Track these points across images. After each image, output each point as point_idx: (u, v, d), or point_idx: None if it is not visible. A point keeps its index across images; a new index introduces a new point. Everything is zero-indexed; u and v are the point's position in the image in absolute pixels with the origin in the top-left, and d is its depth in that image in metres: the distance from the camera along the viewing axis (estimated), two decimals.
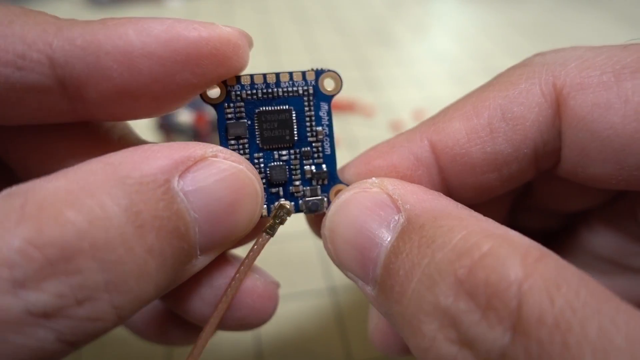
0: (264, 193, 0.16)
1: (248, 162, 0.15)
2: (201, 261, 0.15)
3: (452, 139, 0.17)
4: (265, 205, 0.17)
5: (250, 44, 0.16)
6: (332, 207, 0.16)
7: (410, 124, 0.46)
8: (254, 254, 0.16)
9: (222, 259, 0.17)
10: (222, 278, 0.17)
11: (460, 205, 0.15)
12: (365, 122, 0.46)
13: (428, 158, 0.17)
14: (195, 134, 0.40)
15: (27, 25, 0.14)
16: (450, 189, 0.18)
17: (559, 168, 0.17)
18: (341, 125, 0.46)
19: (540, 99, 0.16)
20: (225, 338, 0.28)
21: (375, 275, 0.14)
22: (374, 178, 0.16)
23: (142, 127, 0.44)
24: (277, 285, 0.18)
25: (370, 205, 0.15)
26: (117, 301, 0.12)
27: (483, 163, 0.16)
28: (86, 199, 0.11)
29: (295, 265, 0.32)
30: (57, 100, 0.14)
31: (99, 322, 0.12)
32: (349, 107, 0.48)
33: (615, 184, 0.15)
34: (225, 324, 0.17)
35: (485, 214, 0.20)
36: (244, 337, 0.28)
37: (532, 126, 0.16)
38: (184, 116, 0.39)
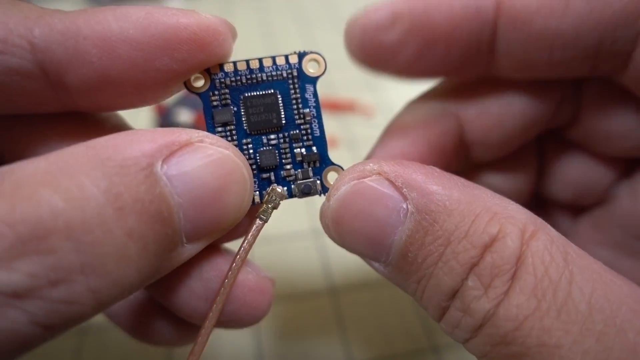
0: (253, 180, 0.16)
1: (235, 148, 0.15)
2: (188, 250, 0.14)
3: (524, 2, 0.17)
4: (257, 192, 0.17)
5: (233, 34, 0.16)
6: (334, 199, 0.15)
7: None
8: (248, 241, 0.16)
9: (212, 250, 0.17)
10: (213, 270, 0.17)
11: (460, 181, 0.15)
12: (365, 122, 0.46)
13: (489, 11, 0.17)
14: None
15: (10, 12, 0.14)
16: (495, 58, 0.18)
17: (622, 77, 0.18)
18: (341, 126, 0.46)
19: None
20: (225, 339, 0.28)
21: (389, 259, 0.15)
22: (371, 164, 0.15)
23: (143, 128, 0.45)
24: (271, 281, 0.18)
25: (375, 196, 0.15)
26: (94, 284, 0.12)
27: (541, 37, 0.17)
28: (64, 180, 0.11)
29: (295, 265, 0.32)
30: (39, 86, 0.15)
31: (75, 305, 0.11)
32: (349, 107, 0.47)
33: None
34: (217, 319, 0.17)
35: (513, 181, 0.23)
36: (244, 337, 0.28)
37: (614, 15, 0.16)
38: (185, 116, 0.40)
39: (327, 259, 0.32)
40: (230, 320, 0.17)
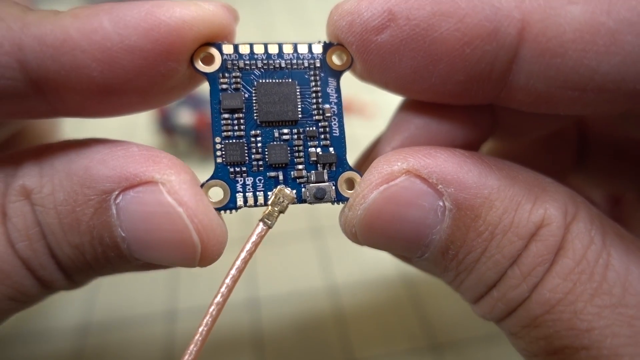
0: (217, 248, 0.14)
1: (200, 209, 0.13)
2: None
3: (557, 30, 0.12)
4: (261, 192, 0.15)
5: (236, 18, 0.15)
6: (362, 208, 0.14)
7: None
8: (249, 250, 0.14)
9: None
10: None
11: (492, 162, 0.14)
12: (366, 123, 0.45)
13: (510, 35, 0.13)
14: (197, 136, 0.38)
15: None
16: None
17: None
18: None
19: None
20: (225, 337, 0.27)
21: (425, 256, 0.14)
22: (398, 163, 0.14)
23: (144, 129, 0.43)
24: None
25: (409, 198, 0.14)
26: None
27: (574, 76, 0.13)
28: (45, 177, 0.13)
29: (295, 265, 0.31)
30: (34, 103, 0.13)
31: None
32: (348, 108, 0.46)
33: None
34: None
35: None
36: (245, 337, 0.27)
37: None
38: (185, 118, 0.38)
39: (326, 259, 0.31)
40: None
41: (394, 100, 0.17)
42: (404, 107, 0.17)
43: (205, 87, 0.15)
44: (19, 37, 0.12)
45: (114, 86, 0.13)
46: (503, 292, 0.14)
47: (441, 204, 0.13)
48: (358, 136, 0.43)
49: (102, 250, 0.13)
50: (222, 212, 0.15)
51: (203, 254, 0.13)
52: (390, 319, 0.28)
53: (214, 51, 0.15)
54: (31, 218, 0.13)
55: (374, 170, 0.14)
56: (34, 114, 0.14)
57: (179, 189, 0.13)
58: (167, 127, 0.39)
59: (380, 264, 0.30)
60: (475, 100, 0.15)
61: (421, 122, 0.16)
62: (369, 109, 0.46)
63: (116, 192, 0.13)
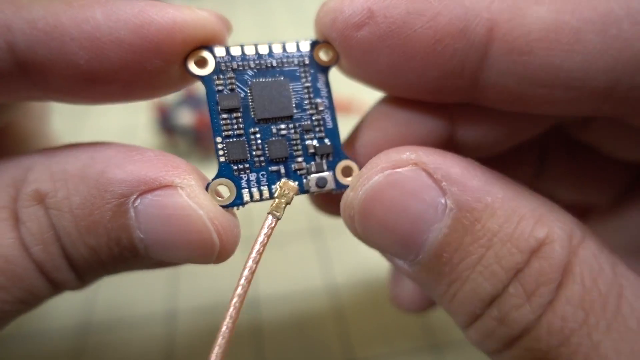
0: (232, 246, 0.15)
1: (218, 210, 0.14)
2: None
3: (524, 29, 0.13)
4: (265, 186, 0.15)
5: (228, 29, 0.16)
6: (363, 190, 0.14)
7: None
8: (262, 242, 0.14)
9: None
10: None
11: (500, 176, 0.14)
12: None
13: (480, 37, 0.13)
14: (197, 136, 0.38)
15: None
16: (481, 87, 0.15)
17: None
18: (341, 126, 0.45)
19: None
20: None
21: (419, 258, 0.14)
22: (407, 152, 0.14)
23: (144, 129, 0.43)
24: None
25: (411, 188, 0.13)
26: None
27: (541, 73, 0.13)
28: (58, 181, 0.13)
29: (295, 265, 0.32)
30: (19, 85, 0.13)
31: None
32: (346, 108, 0.47)
33: None
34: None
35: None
36: (244, 336, 0.28)
37: (635, 57, 0.13)
38: (185, 118, 0.38)
39: (326, 258, 0.32)
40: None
41: None
42: (383, 102, 0.18)
43: (204, 88, 0.16)
44: (10, 19, 0.12)
45: (98, 75, 0.13)
46: (505, 312, 0.13)
47: (442, 201, 0.13)
48: None
49: (118, 251, 0.14)
50: (231, 208, 0.15)
51: (221, 252, 0.14)
52: (390, 319, 0.28)
53: (206, 54, 0.15)
54: (45, 222, 0.13)
55: (383, 156, 0.14)
56: (18, 95, 0.14)
57: (200, 192, 0.14)
58: (167, 127, 0.38)
59: (380, 264, 0.31)
60: (451, 97, 0.15)
61: (399, 115, 0.17)
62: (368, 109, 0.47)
63: (134, 196, 0.13)
